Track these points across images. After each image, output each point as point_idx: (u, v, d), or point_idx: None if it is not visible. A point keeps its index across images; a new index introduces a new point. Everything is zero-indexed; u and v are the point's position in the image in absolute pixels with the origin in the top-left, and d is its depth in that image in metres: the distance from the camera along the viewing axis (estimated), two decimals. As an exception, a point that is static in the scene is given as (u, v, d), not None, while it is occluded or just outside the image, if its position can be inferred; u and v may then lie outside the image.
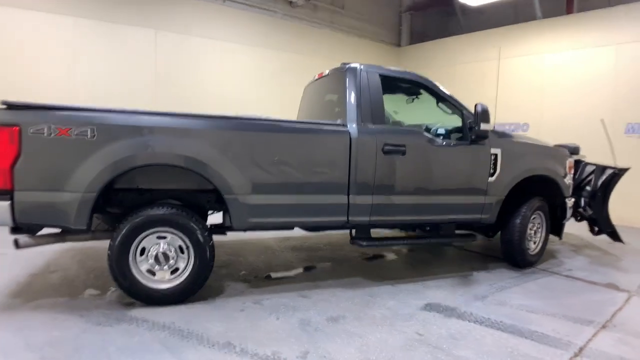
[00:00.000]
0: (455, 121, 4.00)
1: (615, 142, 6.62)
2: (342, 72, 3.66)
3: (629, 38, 6.68)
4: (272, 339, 2.59)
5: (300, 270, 4.03)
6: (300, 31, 8.56)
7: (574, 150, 4.81)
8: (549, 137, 5.69)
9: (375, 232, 3.79)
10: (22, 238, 2.90)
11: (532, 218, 4.20)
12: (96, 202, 2.77)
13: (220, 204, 3.31)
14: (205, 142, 2.96)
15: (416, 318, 3.00)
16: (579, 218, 5.10)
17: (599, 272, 4.28)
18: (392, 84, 3.87)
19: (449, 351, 2.54)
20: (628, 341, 2.76)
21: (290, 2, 8.51)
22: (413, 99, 4.53)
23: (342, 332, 2.73)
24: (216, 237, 3.25)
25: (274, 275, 3.80)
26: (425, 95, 4.32)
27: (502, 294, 3.53)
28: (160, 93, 6.69)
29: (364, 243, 3.54)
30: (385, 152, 3.43)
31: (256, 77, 7.83)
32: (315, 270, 4.03)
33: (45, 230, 2.95)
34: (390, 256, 4.69)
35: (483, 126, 3.53)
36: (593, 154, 5.26)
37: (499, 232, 4.32)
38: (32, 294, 3.16)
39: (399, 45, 10.92)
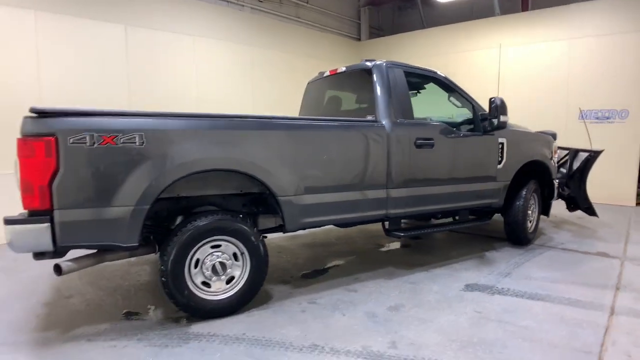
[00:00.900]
0: (454, 113, 4.30)
1: (570, 127, 7.43)
2: (366, 69, 3.74)
3: (580, 33, 7.48)
4: (353, 335, 2.65)
5: (333, 264, 4.11)
6: (268, 25, 8.44)
7: (553, 137, 5.34)
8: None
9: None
10: (65, 263, 2.59)
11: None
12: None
13: (260, 206, 3.27)
14: (261, 145, 2.90)
15: (466, 298, 3.22)
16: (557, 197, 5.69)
17: (585, 243, 4.84)
18: (410, 80, 4.03)
19: (514, 323, 2.79)
20: (643, 299, 3.22)
21: (258, -4, 8.35)
22: (416, 93, 4.74)
23: (412, 319, 2.86)
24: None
25: (307, 272, 3.84)
26: (427, 89, 4.57)
27: (521, 270, 3.89)
28: (133, 91, 6.25)
29: (402, 234, 3.70)
30: (418, 146, 3.60)
31: (228, 72, 7.60)
32: (345, 265, 4.12)
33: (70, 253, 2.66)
34: (396, 245, 4.88)
35: (502, 118, 3.83)
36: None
37: (495, 215, 4.66)
38: (64, 324, 2.83)
39: (359, 39, 11.18)
